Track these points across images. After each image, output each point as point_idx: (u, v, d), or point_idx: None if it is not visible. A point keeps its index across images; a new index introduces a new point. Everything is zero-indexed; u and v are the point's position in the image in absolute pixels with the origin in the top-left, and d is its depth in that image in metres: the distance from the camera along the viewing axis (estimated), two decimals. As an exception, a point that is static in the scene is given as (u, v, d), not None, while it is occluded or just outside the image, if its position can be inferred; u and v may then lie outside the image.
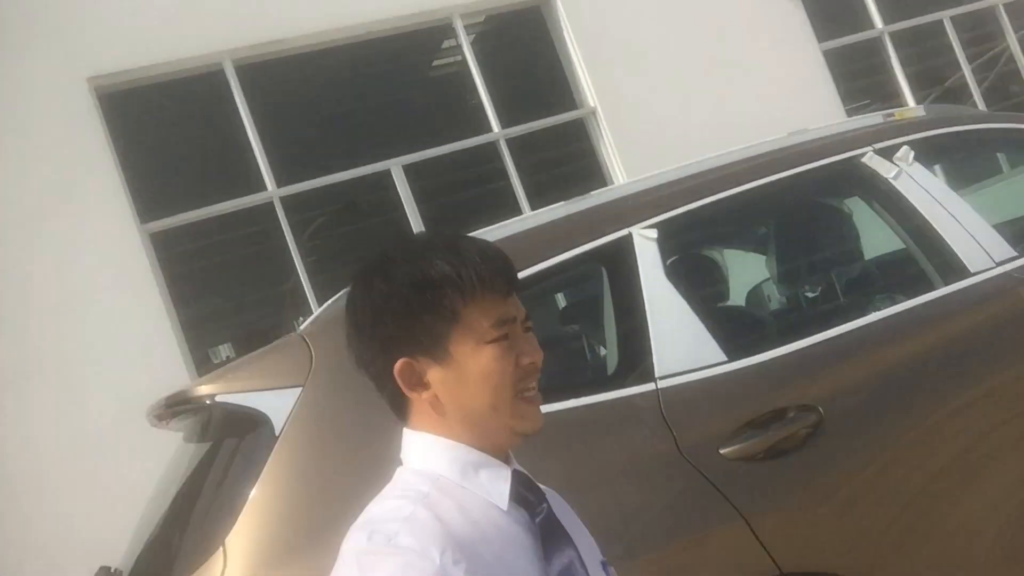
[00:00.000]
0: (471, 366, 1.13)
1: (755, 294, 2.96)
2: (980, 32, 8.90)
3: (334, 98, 6.55)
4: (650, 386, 2.05)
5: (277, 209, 6.00)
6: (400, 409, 1.19)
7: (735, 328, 2.53)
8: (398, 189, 6.33)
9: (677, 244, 2.46)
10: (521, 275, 2.07)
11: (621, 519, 1.87)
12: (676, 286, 2.22)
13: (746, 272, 2.81)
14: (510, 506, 1.13)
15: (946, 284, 2.48)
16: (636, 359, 2.12)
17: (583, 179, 7.08)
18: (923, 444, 2.13)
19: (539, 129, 6.88)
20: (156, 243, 5.71)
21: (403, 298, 1.13)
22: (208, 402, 1.97)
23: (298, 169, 6.12)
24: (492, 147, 6.72)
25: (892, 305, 2.46)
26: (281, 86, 6.28)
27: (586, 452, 1.94)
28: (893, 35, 8.35)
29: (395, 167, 6.36)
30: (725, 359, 2.13)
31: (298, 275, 5.92)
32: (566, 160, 7.17)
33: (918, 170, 2.63)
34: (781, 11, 7.78)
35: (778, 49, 7.62)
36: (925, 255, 2.58)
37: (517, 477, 1.17)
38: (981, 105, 8.35)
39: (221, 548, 1.79)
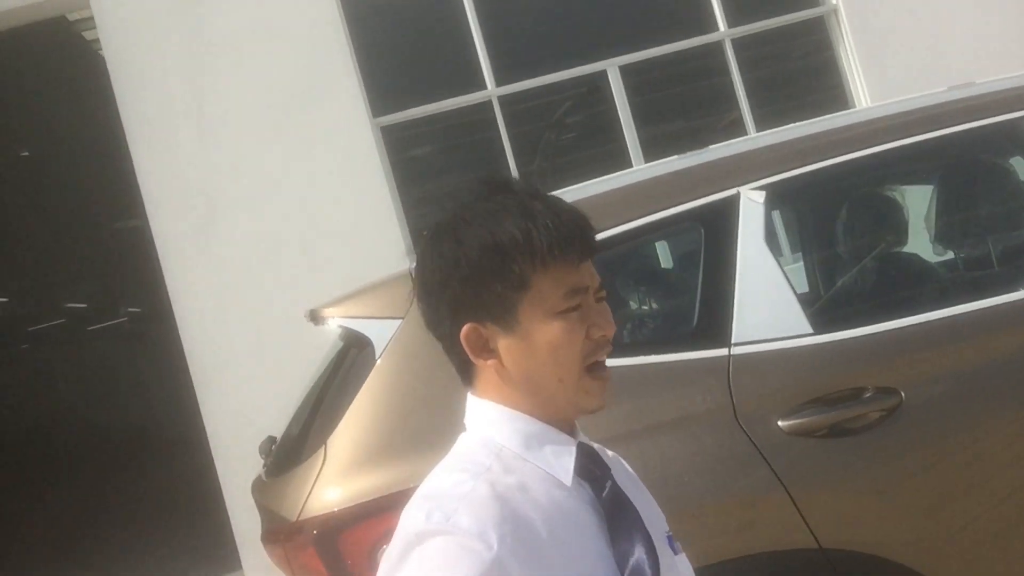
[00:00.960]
0: (540, 336, 1.10)
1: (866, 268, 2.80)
2: None
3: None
4: (723, 351, 2.12)
5: (495, 107, 6.29)
6: (466, 374, 1.18)
7: (830, 301, 2.47)
8: (612, 91, 6.36)
9: (793, 206, 2.41)
10: (618, 231, 2.23)
11: (665, 474, 2.00)
12: (775, 252, 2.22)
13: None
14: (574, 481, 1.11)
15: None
16: (716, 323, 2.18)
17: (817, 87, 6.69)
18: (1007, 450, 2.03)
19: (770, 29, 6.53)
20: (386, 135, 6.24)
21: (472, 263, 1.10)
22: (329, 322, 2.32)
23: (517, 69, 6.33)
24: (717, 47, 6.49)
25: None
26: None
27: (643, 408, 2.07)
28: None
29: (611, 68, 6.37)
30: (810, 331, 2.13)
31: (508, 168, 6.24)
32: (799, 65, 6.77)
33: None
34: None
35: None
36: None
37: (582, 450, 1.14)
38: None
39: (323, 447, 2.16)
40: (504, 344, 1.11)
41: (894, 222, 2.59)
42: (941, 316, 2.13)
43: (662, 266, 2.49)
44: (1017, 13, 6.52)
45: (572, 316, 1.10)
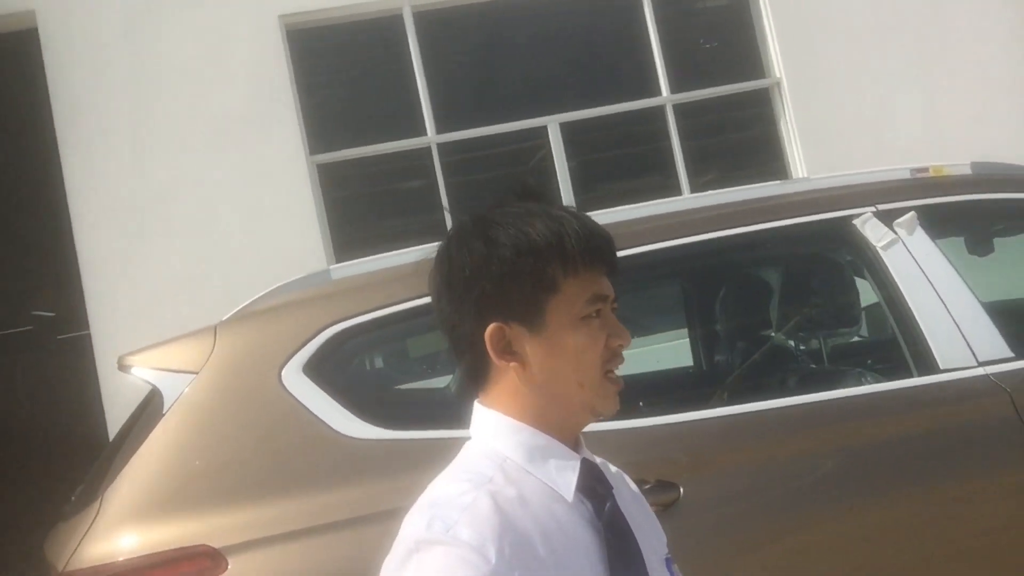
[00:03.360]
0: (565, 339, 1.11)
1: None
2: None
3: (501, 51, 6.66)
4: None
5: (433, 154, 6.32)
6: (478, 377, 1.17)
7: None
8: (552, 147, 6.40)
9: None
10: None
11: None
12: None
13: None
14: (575, 498, 1.11)
15: (907, 376, 2.24)
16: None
17: (756, 159, 6.74)
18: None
19: (714, 97, 6.59)
20: (321, 173, 6.25)
21: (504, 261, 1.10)
22: (132, 370, 2.29)
23: (458, 118, 6.37)
24: (659, 111, 6.55)
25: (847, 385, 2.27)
26: (453, 36, 6.50)
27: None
28: None
29: (552, 124, 6.41)
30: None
31: (443, 217, 6.24)
32: (741, 135, 6.83)
33: (919, 241, 2.34)
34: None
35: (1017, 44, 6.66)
36: (901, 339, 2.32)
37: (586, 466, 1.14)
38: None
39: (99, 499, 2.11)
40: (528, 345, 1.12)
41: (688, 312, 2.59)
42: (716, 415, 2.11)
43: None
44: (963, 100, 6.60)
45: (594, 323, 1.13)
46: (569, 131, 6.44)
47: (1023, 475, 2.11)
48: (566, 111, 6.44)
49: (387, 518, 1.99)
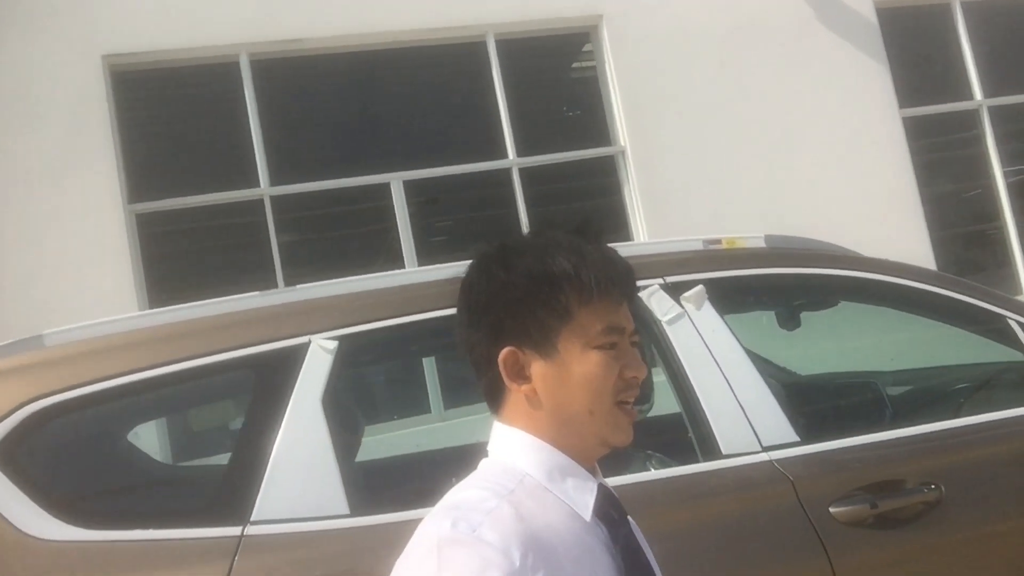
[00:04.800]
0: (576, 367, 1.12)
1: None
2: None
3: (341, 104, 6.45)
4: (236, 529, 1.79)
5: (266, 207, 5.98)
6: (495, 399, 1.18)
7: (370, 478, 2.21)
8: (394, 204, 6.18)
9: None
10: (149, 375, 1.90)
11: None
12: (329, 415, 1.94)
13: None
14: (592, 521, 1.11)
15: (692, 461, 2.08)
16: (239, 494, 1.86)
17: (604, 219, 6.72)
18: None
19: (560, 162, 6.56)
20: (140, 223, 5.81)
21: (520, 288, 1.13)
22: None
23: (295, 171, 6.08)
24: (505, 174, 6.45)
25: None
26: (291, 86, 6.24)
27: None
28: (991, 109, 7.47)
29: (395, 181, 6.21)
30: (347, 512, 1.84)
31: (275, 274, 5.89)
32: (586, 201, 6.81)
33: (706, 316, 2.21)
34: (863, 73, 7.09)
35: (852, 116, 6.95)
36: (685, 420, 2.17)
37: (602, 491, 1.14)
38: None
39: None
40: (540, 371, 1.13)
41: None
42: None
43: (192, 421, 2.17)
44: (803, 173, 6.81)
45: (608, 353, 1.13)
46: (413, 189, 6.24)
47: (808, 568, 1.96)
48: (410, 168, 6.26)
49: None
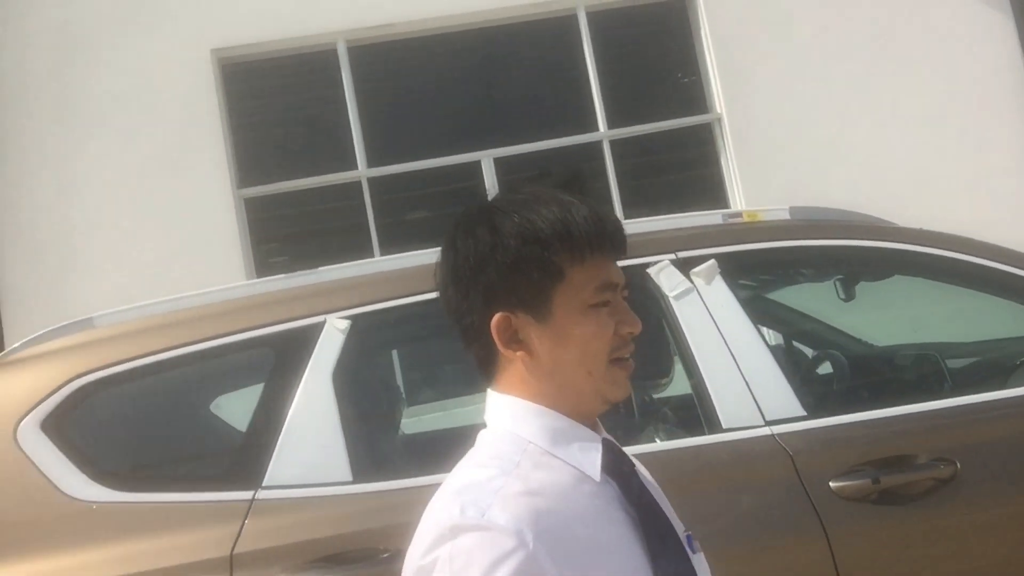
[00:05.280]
0: (572, 328, 1.09)
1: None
2: None
3: (436, 85, 6.58)
4: (247, 494, 1.96)
5: (363, 189, 6.24)
6: (488, 367, 1.15)
7: (376, 450, 2.31)
8: (485, 181, 6.30)
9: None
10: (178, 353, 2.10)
11: None
12: (339, 390, 2.08)
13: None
14: (602, 479, 1.09)
15: (697, 433, 2.09)
16: (252, 461, 2.03)
17: (696, 195, 6.61)
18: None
19: (652, 132, 6.48)
20: (248, 207, 6.18)
21: (509, 250, 1.08)
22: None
23: (390, 152, 6.29)
24: (596, 147, 6.45)
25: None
26: (386, 70, 6.44)
27: (146, 551, 1.91)
28: None
29: (485, 159, 6.33)
30: (350, 479, 1.98)
31: (372, 253, 6.14)
32: (680, 171, 6.70)
33: (716, 291, 2.20)
34: (981, 22, 6.62)
35: (970, 70, 6.51)
36: (693, 394, 2.18)
37: (608, 446, 1.13)
38: None
39: None
40: (535, 334, 1.10)
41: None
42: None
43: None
44: (909, 134, 6.46)
45: (603, 310, 1.10)
46: (503, 166, 6.34)
47: (804, 543, 1.94)
48: (501, 146, 6.36)
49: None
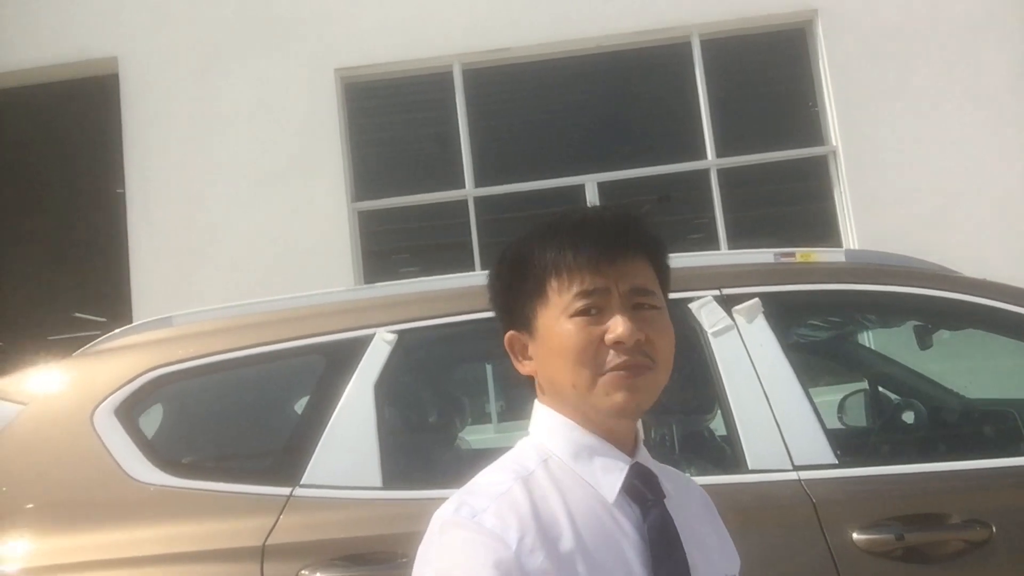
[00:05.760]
0: (551, 340, 1.12)
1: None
2: None
3: (547, 108, 6.71)
4: (285, 490, 2.11)
5: (470, 207, 6.42)
6: (525, 380, 1.22)
7: (407, 459, 2.39)
8: (587, 204, 6.36)
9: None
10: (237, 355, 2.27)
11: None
12: (379, 399, 2.20)
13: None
14: (623, 501, 1.10)
15: (717, 472, 2.09)
16: (294, 460, 2.17)
17: (804, 228, 6.45)
18: None
19: (762, 163, 6.38)
20: (361, 220, 6.48)
21: (503, 276, 1.20)
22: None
23: (497, 173, 6.46)
24: (703, 175, 6.40)
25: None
26: (499, 93, 6.62)
27: (185, 534, 2.08)
28: None
29: (589, 183, 6.39)
30: (380, 485, 2.09)
31: (474, 269, 6.30)
32: (788, 204, 6.55)
33: (757, 331, 2.19)
34: None
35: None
36: (724, 432, 2.18)
37: (637, 470, 1.13)
38: None
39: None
40: (531, 350, 1.17)
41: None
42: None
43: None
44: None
45: (581, 319, 1.10)
46: (607, 191, 6.38)
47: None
48: (606, 170, 6.41)
49: (151, 562, 2.06)
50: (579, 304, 1.10)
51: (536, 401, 1.19)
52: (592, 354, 1.09)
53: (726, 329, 2.20)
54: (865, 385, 3.40)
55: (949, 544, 1.92)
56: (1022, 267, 4.85)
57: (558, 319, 1.11)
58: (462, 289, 2.39)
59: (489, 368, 6.02)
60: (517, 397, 6.45)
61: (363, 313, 2.35)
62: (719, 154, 6.37)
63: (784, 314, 2.25)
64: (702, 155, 6.39)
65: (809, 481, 2.02)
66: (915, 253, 2.84)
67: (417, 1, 6.46)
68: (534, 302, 1.14)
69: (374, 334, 2.28)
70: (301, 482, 2.12)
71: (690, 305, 2.25)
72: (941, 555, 1.91)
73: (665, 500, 1.13)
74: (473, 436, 5.05)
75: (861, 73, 6.28)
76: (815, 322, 2.93)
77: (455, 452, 3.02)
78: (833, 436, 2.10)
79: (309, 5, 6.47)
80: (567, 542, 1.04)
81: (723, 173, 6.37)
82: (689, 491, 1.24)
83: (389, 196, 6.49)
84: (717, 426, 2.21)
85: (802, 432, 2.08)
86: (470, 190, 6.43)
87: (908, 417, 3.14)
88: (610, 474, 1.10)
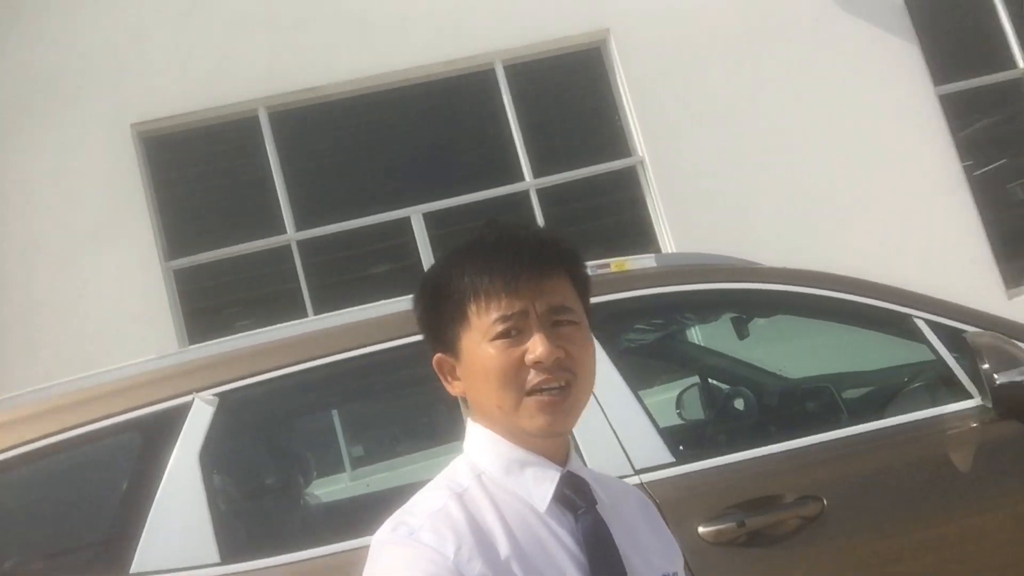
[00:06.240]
0: (474, 363, 1.14)
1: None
2: None
3: (358, 145, 6.65)
4: (113, 582, 1.93)
5: (294, 252, 6.24)
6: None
7: (246, 527, 2.29)
8: (416, 237, 6.33)
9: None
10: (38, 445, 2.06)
11: None
12: (206, 468, 2.06)
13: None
14: (556, 509, 1.13)
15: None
16: (121, 546, 2.00)
17: (625, 238, 6.69)
18: None
19: (578, 179, 6.58)
20: (178, 279, 6.14)
21: (422, 302, 1.21)
22: None
23: (319, 215, 6.31)
24: (523, 196, 6.52)
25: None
26: (309, 133, 6.48)
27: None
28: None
29: (415, 215, 6.37)
30: (217, 561, 1.95)
31: (305, 315, 6.11)
32: (607, 213, 6.79)
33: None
34: (890, 54, 6.83)
35: (884, 101, 6.71)
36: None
37: (568, 479, 1.15)
38: None
39: None
40: (459, 372, 1.18)
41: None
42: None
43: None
44: (822, 180, 6.61)
45: (501, 342, 1.12)
46: (433, 221, 6.38)
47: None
48: (429, 200, 6.41)
49: None
50: (499, 328, 1.12)
51: (468, 420, 1.21)
52: (514, 375, 1.11)
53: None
54: (697, 379, 3.54)
55: (787, 523, 2.00)
56: (823, 253, 5.24)
57: (480, 343, 1.13)
58: (288, 340, 2.29)
59: (336, 415, 5.87)
60: (372, 441, 6.32)
61: (178, 379, 2.20)
62: (536, 174, 6.52)
63: (607, 323, 2.29)
64: (520, 177, 6.52)
65: (651, 483, 2.05)
66: (725, 250, 3.01)
67: (215, 47, 6.25)
68: (457, 326, 1.16)
69: (192, 400, 2.15)
70: (131, 571, 1.95)
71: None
72: (781, 534, 1.99)
73: (598, 506, 1.16)
74: (325, 489, 4.89)
75: (655, 86, 6.61)
76: (640, 326, 3.02)
77: (303, 510, 2.89)
78: (669, 434, 2.16)
79: (101, 59, 6.11)
80: (503, 550, 1.06)
81: (542, 192, 6.52)
82: (626, 495, 1.28)
83: (206, 250, 6.19)
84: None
85: (638, 436, 2.12)
86: (292, 234, 6.25)
87: (739, 404, 3.30)
88: (541, 485, 1.13)
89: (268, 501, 2.52)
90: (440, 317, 1.18)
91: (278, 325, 2.40)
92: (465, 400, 1.21)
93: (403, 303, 2.35)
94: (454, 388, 1.20)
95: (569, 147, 6.70)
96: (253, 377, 2.19)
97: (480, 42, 6.49)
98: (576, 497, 1.14)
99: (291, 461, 2.78)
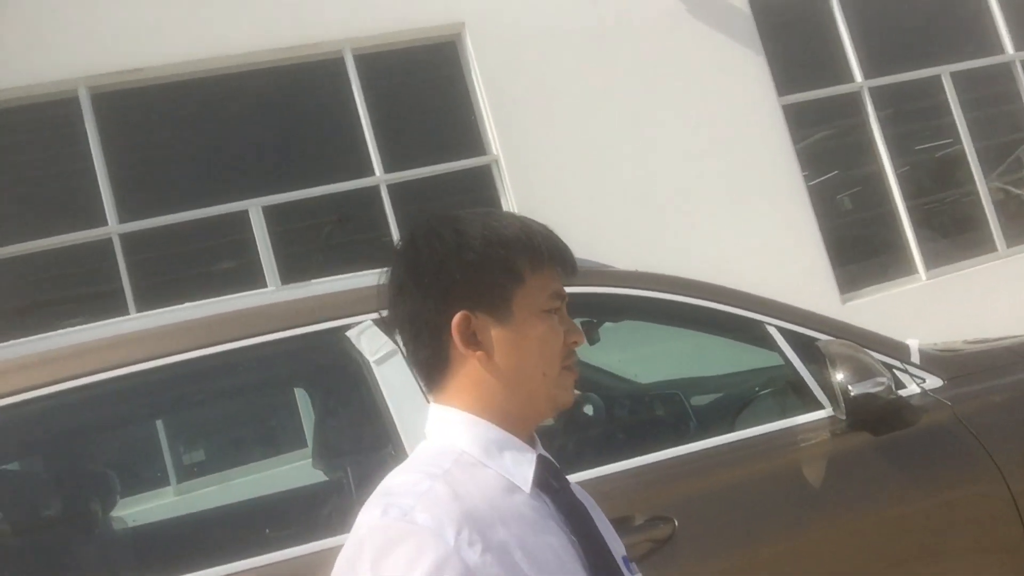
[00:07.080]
0: (530, 330, 1.13)
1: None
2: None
3: (192, 133, 6.16)
4: None
5: (116, 246, 5.69)
6: (437, 371, 1.15)
7: None
8: (255, 232, 5.92)
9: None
10: None
11: None
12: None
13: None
14: (534, 492, 1.10)
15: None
16: None
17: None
18: None
19: (431, 176, 6.35)
20: (-15, 272, 5.49)
21: (475, 251, 1.12)
22: None
23: (144, 206, 5.80)
24: (373, 191, 6.23)
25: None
26: (136, 118, 5.96)
27: None
28: (872, 91, 7.43)
29: (253, 208, 5.95)
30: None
31: (127, 312, 5.60)
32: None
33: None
34: (737, 63, 6.98)
35: (729, 107, 6.84)
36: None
37: (542, 462, 1.14)
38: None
39: None
40: (494, 335, 1.13)
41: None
42: None
43: None
44: (676, 177, 6.68)
45: (554, 318, 1.16)
46: (273, 215, 5.99)
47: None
48: (270, 193, 6.01)
49: None
50: (555, 303, 1.16)
51: (432, 404, 1.16)
52: (562, 349, 1.15)
53: (390, 355, 1.99)
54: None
55: (639, 547, 1.86)
56: (669, 256, 5.24)
57: (535, 311, 1.14)
58: (78, 347, 1.95)
59: (160, 425, 5.38)
60: (208, 449, 5.86)
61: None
62: (387, 169, 6.24)
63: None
64: (370, 171, 6.22)
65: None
66: (578, 252, 2.86)
67: (37, 23, 5.62)
68: (513, 287, 1.13)
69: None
70: None
71: (348, 333, 2.02)
72: (634, 559, 1.84)
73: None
74: (146, 506, 4.46)
75: (509, 82, 6.47)
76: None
77: (106, 536, 2.53)
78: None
79: None
80: (500, 531, 1.02)
81: (393, 188, 6.25)
82: (574, 486, 1.26)
83: (14, 243, 5.55)
84: (390, 458, 1.98)
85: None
86: (114, 227, 5.70)
87: (588, 410, 3.17)
88: (520, 466, 1.12)
89: (49, 535, 2.16)
90: (489, 270, 1.11)
91: (70, 329, 2.05)
92: (439, 371, 1.15)
93: (232, 301, 2.08)
94: (473, 352, 1.12)
95: (423, 142, 6.46)
96: (24, 393, 1.84)
97: (329, 28, 6.16)
98: (553, 480, 1.15)
99: (82, 484, 2.41)
